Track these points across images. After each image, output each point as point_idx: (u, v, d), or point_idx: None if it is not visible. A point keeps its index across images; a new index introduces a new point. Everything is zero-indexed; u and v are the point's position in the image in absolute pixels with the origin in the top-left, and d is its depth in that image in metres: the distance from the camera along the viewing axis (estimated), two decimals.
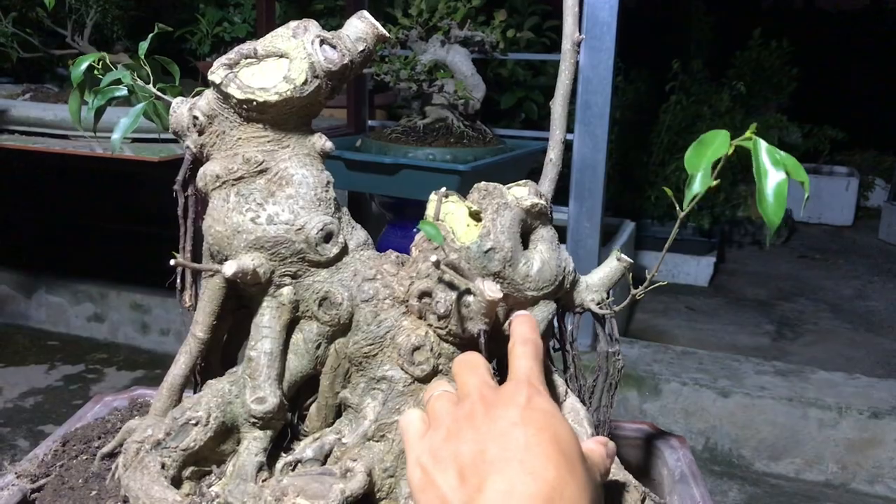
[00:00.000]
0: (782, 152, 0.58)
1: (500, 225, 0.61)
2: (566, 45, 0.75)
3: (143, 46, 0.81)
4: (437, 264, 0.64)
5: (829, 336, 3.06)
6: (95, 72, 0.79)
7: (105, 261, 2.97)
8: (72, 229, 3.24)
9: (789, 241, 4.45)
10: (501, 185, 0.64)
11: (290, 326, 0.70)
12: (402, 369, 0.63)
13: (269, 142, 0.71)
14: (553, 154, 0.75)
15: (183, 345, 0.73)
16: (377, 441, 0.61)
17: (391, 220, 2.19)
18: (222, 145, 0.71)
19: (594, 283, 0.69)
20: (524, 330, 0.54)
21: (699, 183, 0.58)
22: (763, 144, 0.58)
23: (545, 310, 0.64)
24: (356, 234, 0.71)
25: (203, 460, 0.68)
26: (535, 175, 0.77)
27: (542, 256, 0.63)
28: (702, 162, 0.58)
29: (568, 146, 1.35)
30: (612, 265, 0.70)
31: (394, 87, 1.94)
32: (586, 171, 2.14)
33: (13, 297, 3.11)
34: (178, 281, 0.76)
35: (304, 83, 0.69)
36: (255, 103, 0.68)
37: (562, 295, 0.67)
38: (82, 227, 3.24)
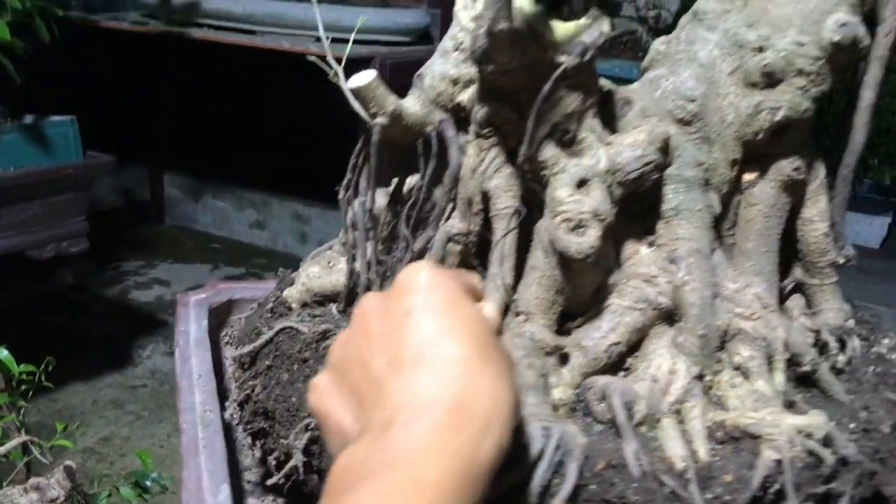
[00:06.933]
0: None
1: None
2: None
3: None
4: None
5: None
6: None
7: (267, 169, 3.01)
8: (239, 135, 3.18)
9: None
10: None
11: None
12: None
13: None
14: None
15: None
16: None
17: None
18: None
19: None
20: None
21: None
22: None
23: None
24: None
25: None
26: None
27: None
28: None
29: None
30: None
31: None
32: None
33: (182, 200, 3.27)
34: None
35: None
36: None
37: None
38: (249, 133, 3.16)
